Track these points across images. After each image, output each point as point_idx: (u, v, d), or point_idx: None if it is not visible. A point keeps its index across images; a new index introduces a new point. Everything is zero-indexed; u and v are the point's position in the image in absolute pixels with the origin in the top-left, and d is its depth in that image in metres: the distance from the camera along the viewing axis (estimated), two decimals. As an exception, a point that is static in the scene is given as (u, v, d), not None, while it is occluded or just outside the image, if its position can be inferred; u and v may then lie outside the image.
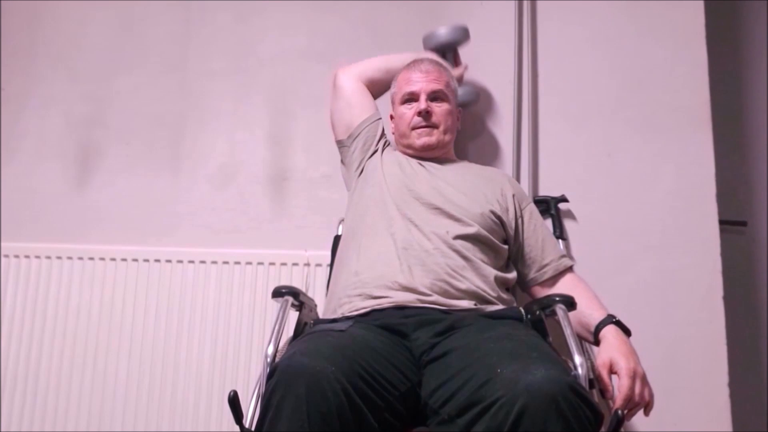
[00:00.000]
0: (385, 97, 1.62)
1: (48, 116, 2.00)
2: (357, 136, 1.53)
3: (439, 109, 1.48)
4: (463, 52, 1.71)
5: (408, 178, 1.43)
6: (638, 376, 1.10)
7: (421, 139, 1.48)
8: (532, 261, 1.43)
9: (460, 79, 1.65)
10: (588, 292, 1.34)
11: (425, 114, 1.46)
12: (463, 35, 1.67)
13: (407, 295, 1.24)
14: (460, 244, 1.31)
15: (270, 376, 0.97)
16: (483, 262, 1.32)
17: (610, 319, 1.22)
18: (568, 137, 1.74)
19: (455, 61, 1.70)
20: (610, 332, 1.20)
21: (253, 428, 1.07)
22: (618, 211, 1.68)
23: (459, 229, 1.33)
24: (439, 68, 1.54)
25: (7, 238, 1.91)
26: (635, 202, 1.68)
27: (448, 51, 1.68)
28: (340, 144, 1.58)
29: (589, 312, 1.26)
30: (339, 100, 1.58)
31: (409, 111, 1.49)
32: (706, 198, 1.66)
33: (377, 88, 1.61)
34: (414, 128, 1.48)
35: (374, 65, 1.61)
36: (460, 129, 1.59)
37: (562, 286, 1.39)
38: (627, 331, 1.21)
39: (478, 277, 1.29)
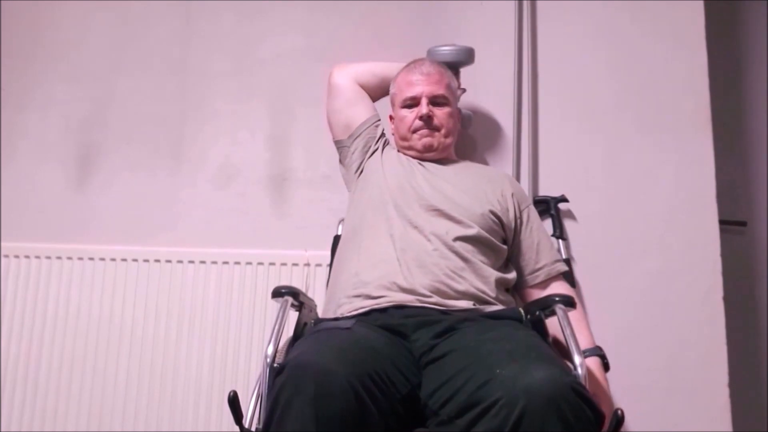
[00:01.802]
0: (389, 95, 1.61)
1: (48, 116, 2.00)
2: (357, 137, 1.53)
3: (441, 112, 1.47)
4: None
5: (408, 178, 1.43)
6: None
7: (423, 140, 1.47)
8: (525, 263, 1.43)
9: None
10: (579, 312, 1.34)
11: (427, 119, 1.46)
12: (468, 56, 1.63)
13: (406, 296, 1.24)
14: (459, 246, 1.31)
15: (279, 373, 0.97)
16: (482, 263, 1.32)
17: (598, 351, 1.27)
18: (568, 137, 1.74)
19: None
20: (594, 364, 1.24)
21: (253, 428, 1.07)
22: (618, 212, 1.68)
23: (459, 231, 1.33)
24: (440, 69, 1.52)
25: (7, 238, 1.91)
26: (635, 202, 1.68)
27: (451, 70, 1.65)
28: (339, 144, 1.57)
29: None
30: (336, 99, 1.57)
31: (410, 114, 1.48)
32: (706, 198, 1.66)
33: (370, 93, 1.60)
34: (415, 131, 1.48)
35: (371, 70, 1.59)
36: (460, 129, 1.59)
37: (552, 292, 1.39)
38: (607, 366, 1.27)
39: (478, 279, 1.29)
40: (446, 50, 1.62)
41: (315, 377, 0.92)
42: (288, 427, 0.91)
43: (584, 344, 1.25)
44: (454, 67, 1.62)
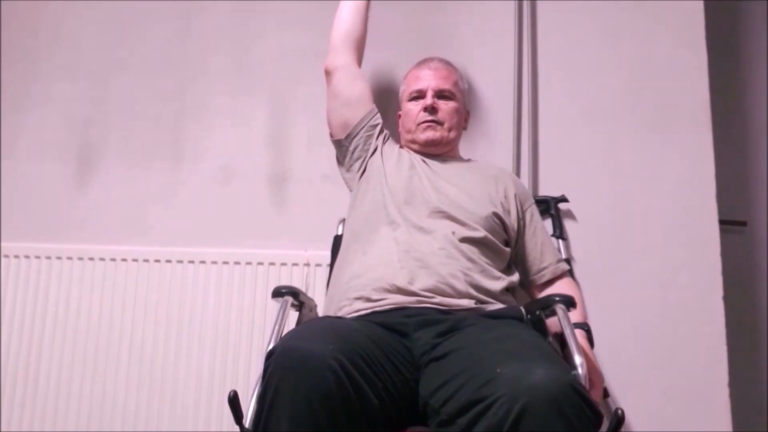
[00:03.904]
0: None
1: (47, 116, 2.00)
2: (356, 136, 1.52)
3: (446, 106, 1.49)
4: (463, 51, 1.71)
5: (411, 179, 1.42)
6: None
7: (426, 133, 1.48)
8: (530, 263, 1.45)
9: None
10: (579, 300, 1.35)
11: (431, 109, 1.47)
12: None
13: (406, 298, 1.24)
14: (465, 247, 1.31)
15: (267, 358, 0.98)
16: (487, 264, 1.32)
17: (583, 326, 1.27)
18: (568, 137, 1.74)
19: None
20: (579, 334, 1.24)
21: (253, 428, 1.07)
22: (618, 211, 1.68)
23: (465, 232, 1.33)
24: (448, 67, 1.54)
25: (7, 238, 1.91)
26: (635, 202, 1.68)
27: None
28: (338, 144, 1.56)
29: None
30: (335, 99, 1.56)
31: (415, 107, 1.50)
32: (706, 198, 1.66)
33: (363, 37, 1.60)
34: (419, 123, 1.48)
35: (345, 25, 1.59)
36: (466, 129, 1.60)
37: (558, 289, 1.41)
38: (592, 342, 1.28)
39: (482, 279, 1.29)
40: None
41: (300, 361, 0.93)
42: (280, 418, 0.92)
43: (574, 319, 1.24)
44: None
